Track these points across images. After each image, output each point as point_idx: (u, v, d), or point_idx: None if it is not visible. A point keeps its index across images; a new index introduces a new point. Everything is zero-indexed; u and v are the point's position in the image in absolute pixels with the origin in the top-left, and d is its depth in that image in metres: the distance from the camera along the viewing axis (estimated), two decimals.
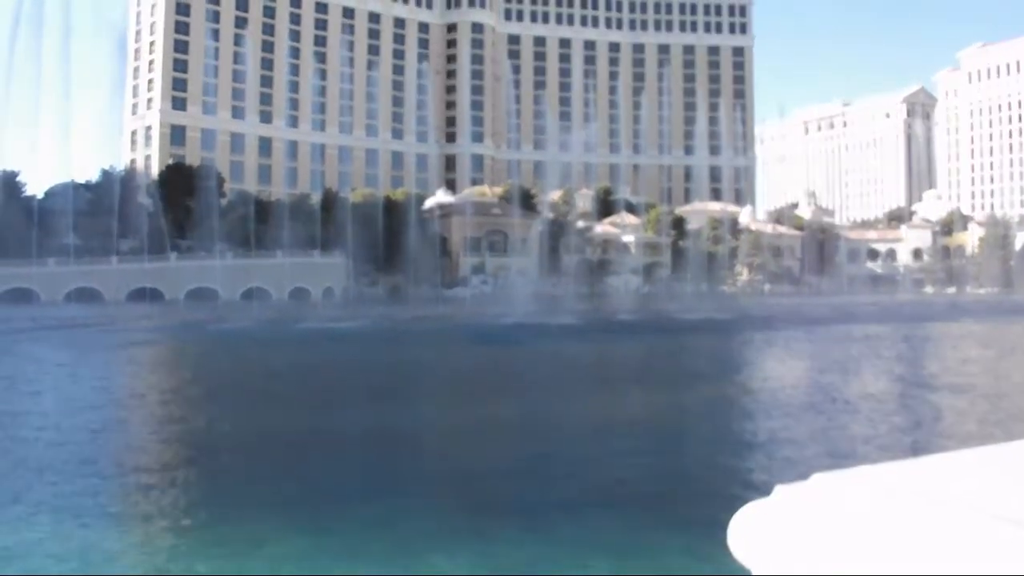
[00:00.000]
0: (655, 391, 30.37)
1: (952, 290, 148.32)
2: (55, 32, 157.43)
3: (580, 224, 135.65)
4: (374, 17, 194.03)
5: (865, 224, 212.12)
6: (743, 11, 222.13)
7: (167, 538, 12.68)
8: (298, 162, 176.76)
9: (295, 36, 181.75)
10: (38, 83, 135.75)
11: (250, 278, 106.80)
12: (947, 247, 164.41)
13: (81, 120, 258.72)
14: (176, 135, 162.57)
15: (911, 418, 23.18)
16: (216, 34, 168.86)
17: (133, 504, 14.60)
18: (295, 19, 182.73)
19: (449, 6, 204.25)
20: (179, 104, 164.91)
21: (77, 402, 27.44)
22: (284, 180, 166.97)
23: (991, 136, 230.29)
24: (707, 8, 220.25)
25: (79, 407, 26.18)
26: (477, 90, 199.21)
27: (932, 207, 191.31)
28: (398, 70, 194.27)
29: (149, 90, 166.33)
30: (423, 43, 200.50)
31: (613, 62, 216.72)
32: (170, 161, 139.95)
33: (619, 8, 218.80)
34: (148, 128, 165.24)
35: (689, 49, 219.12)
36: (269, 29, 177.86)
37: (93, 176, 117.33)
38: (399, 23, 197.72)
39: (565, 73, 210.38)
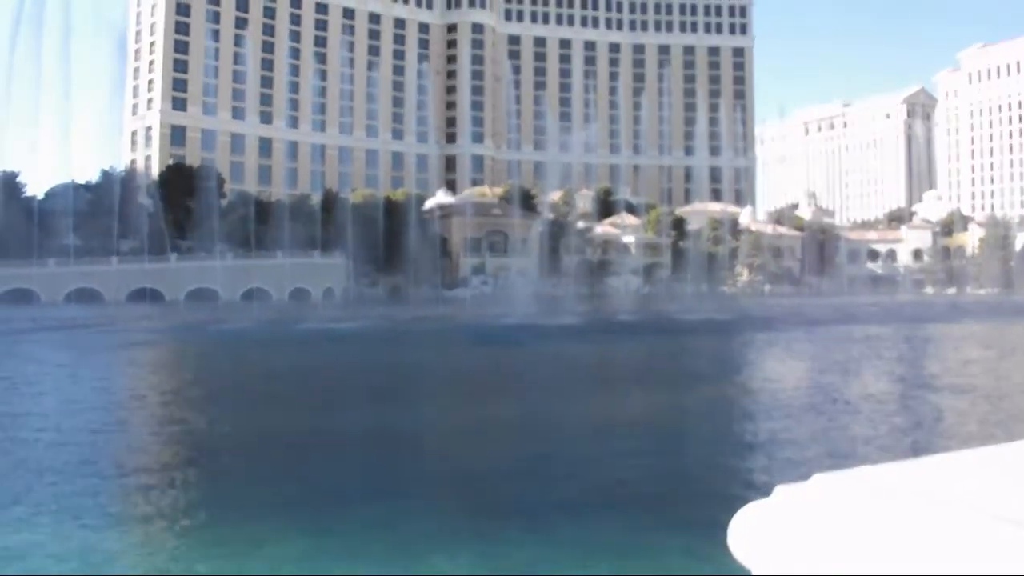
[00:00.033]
0: (655, 392, 30.36)
1: (952, 291, 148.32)
2: (55, 32, 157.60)
3: (580, 225, 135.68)
4: (374, 17, 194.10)
5: (865, 225, 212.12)
6: (743, 12, 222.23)
7: (167, 539, 12.67)
8: (298, 163, 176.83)
9: (295, 37, 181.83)
10: (38, 83, 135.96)
11: (250, 279, 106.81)
12: (947, 248, 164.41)
13: (81, 120, 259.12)
14: (176, 135, 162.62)
15: (912, 419, 23.17)
16: (216, 34, 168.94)
17: (133, 505, 14.59)
18: (295, 19, 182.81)
19: (449, 6, 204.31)
20: (179, 104, 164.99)
21: (77, 403, 27.43)
22: (284, 181, 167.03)
23: (991, 137, 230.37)
24: (707, 9, 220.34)
25: (79, 408, 26.18)
26: (477, 91, 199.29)
27: (932, 208, 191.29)
28: (398, 70, 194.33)
29: (149, 90, 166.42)
30: (423, 43, 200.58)
31: (613, 63, 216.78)
32: (170, 162, 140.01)
33: (619, 9, 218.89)
34: (148, 128, 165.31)
35: (689, 50, 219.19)
36: (269, 30, 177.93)
37: (93, 177, 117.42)
38: (399, 23, 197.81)
39: (565, 74, 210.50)
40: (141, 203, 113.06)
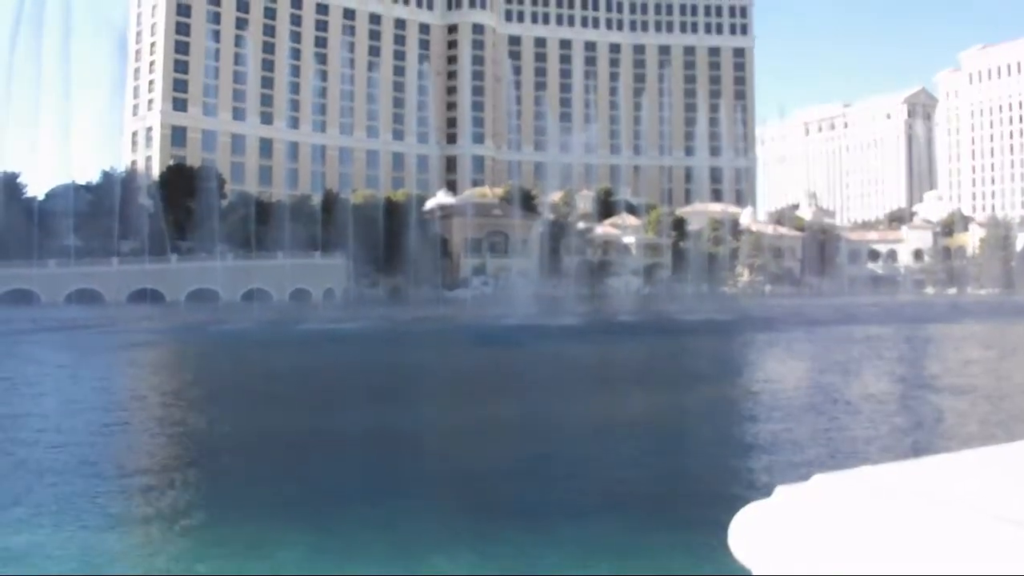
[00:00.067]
0: (656, 392, 30.36)
1: (953, 291, 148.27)
2: (56, 33, 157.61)
3: (581, 225, 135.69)
4: (375, 18, 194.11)
5: (866, 225, 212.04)
6: (743, 12, 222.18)
7: (168, 539, 12.67)
8: (299, 163, 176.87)
9: (296, 37, 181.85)
10: (39, 84, 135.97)
11: (251, 279, 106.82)
12: (948, 248, 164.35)
13: (82, 121, 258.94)
14: (177, 136, 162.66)
15: (912, 419, 23.16)
16: (217, 35, 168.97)
17: (134, 506, 14.59)
18: (296, 20, 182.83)
19: (450, 7, 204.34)
20: (180, 105, 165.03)
21: (78, 404, 27.43)
22: (285, 181, 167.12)
23: (992, 137, 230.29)
24: (707, 9, 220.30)
25: (80, 408, 26.18)
26: (478, 91, 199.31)
27: (933, 208, 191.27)
28: (399, 71, 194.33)
29: (150, 91, 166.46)
30: (424, 44, 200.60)
31: (614, 63, 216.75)
32: (171, 162, 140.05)
33: (620, 9, 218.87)
34: (149, 129, 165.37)
35: (690, 50, 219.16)
36: (270, 30, 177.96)
37: (94, 177, 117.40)
38: (400, 24, 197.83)
39: (566, 74, 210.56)
40: (142, 204, 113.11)
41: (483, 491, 15.86)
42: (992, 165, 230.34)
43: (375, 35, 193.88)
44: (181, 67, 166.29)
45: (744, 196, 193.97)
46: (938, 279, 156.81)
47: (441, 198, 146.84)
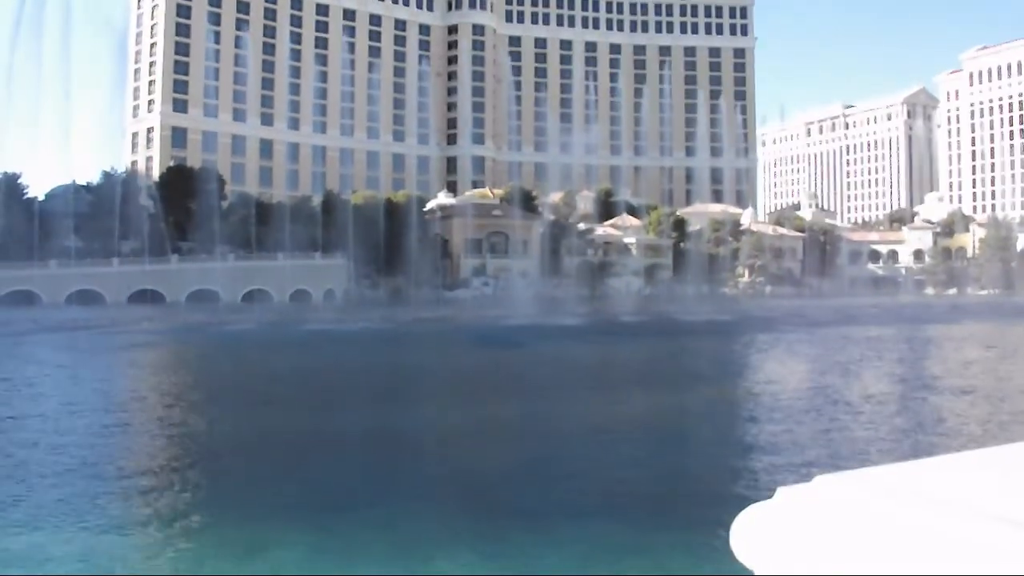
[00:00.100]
0: (657, 393, 30.34)
1: (953, 291, 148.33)
2: (56, 34, 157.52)
3: (581, 226, 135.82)
4: (375, 19, 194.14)
5: (866, 226, 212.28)
6: (744, 13, 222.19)
7: (168, 540, 12.66)
8: (299, 164, 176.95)
9: (296, 38, 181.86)
10: (39, 85, 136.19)
11: (251, 280, 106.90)
12: (948, 248, 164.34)
13: (82, 122, 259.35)
14: (177, 137, 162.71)
15: (913, 420, 23.15)
16: (217, 36, 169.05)
17: (134, 507, 14.58)
18: (296, 21, 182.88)
19: (450, 8, 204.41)
20: (180, 106, 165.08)
21: (78, 405, 27.43)
22: (285, 182, 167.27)
23: (992, 137, 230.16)
24: (708, 10, 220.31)
25: (80, 410, 26.17)
26: (478, 92, 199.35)
27: (933, 208, 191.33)
28: (399, 72, 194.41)
29: (150, 92, 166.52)
30: (424, 45, 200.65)
31: (614, 64, 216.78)
32: (171, 163, 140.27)
33: (620, 10, 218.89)
34: (149, 130, 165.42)
35: (690, 51, 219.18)
36: (270, 31, 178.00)
37: (94, 178, 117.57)
38: (400, 25, 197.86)
39: (566, 75, 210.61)
40: (142, 205, 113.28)
41: (483, 491, 15.85)
42: (992, 166, 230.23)
43: (375, 36, 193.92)
44: (181, 68, 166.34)
45: (745, 197, 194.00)
46: (939, 280, 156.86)
47: (441, 199, 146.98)
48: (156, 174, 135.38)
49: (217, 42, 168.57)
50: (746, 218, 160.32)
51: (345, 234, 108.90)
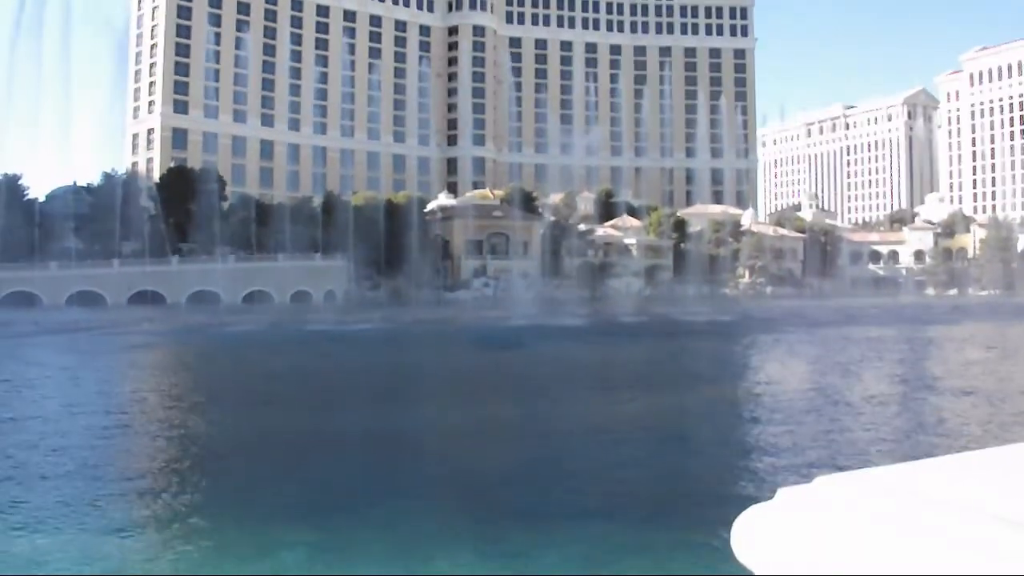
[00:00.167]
0: (658, 393, 30.33)
1: (954, 292, 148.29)
2: (56, 35, 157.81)
3: (582, 227, 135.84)
4: (375, 20, 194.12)
5: (867, 226, 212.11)
6: (744, 13, 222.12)
7: (168, 541, 12.66)
8: (299, 165, 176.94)
9: (296, 39, 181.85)
10: (39, 86, 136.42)
11: (252, 281, 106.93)
12: (949, 249, 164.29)
13: (82, 123, 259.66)
14: (177, 138, 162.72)
15: (913, 421, 23.14)
16: (217, 37, 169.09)
17: (134, 508, 14.58)
18: (296, 22, 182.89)
19: (450, 9, 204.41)
20: (180, 107, 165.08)
21: (79, 406, 27.42)
22: (285, 183, 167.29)
23: (993, 138, 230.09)
24: (708, 11, 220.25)
25: (81, 411, 26.17)
26: (478, 93, 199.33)
27: (934, 209, 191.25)
28: (399, 73, 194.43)
29: (150, 93, 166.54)
30: (424, 46, 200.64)
31: (614, 64, 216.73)
32: (171, 164, 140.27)
33: (620, 11, 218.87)
34: (149, 131, 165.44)
35: (690, 51, 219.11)
36: (270, 32, 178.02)
37: (95, 179, 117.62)
38: (400, 26, 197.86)
39: (566, 76, 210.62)
40: (142, 206, 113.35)
41: (483, 491, 15.85)
42: (993, 166, 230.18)
43: (376, 37, 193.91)
44: (182, 69, 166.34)
45: (745, 197, 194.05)
46: (939, 280, 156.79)
47: (442, 200, 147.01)
48: (156, 175, 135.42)
49: (217, 43, 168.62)
50: (746, 219, 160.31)
51: (346, 235, 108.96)
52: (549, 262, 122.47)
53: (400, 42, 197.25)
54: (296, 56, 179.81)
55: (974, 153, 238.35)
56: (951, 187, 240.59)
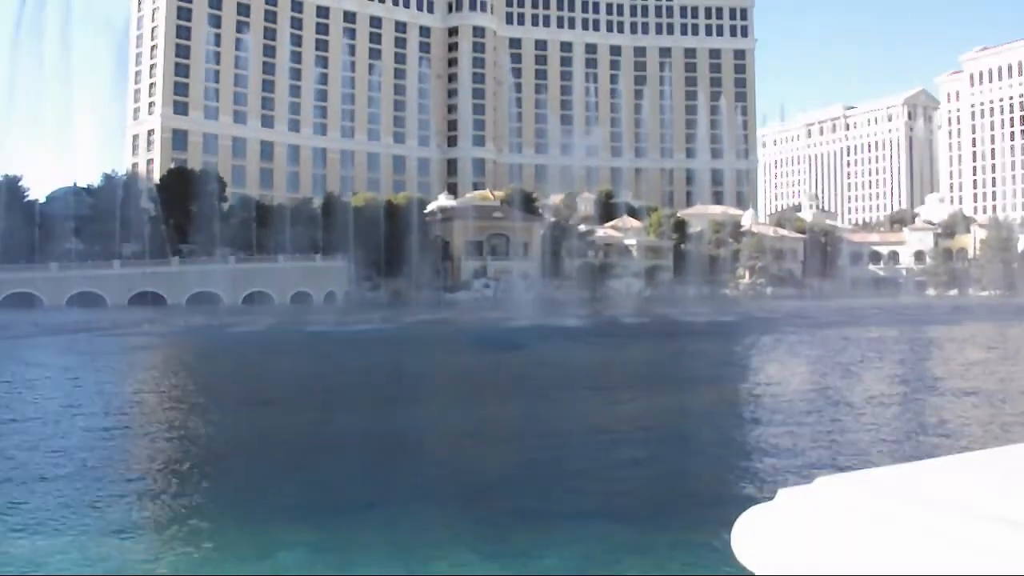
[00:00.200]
0: (658, 394, 30.32)
1: (954, 292, 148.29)
2: (56, 36, 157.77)
3: (582, 228, 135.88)
4: (375, 21, 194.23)
5: (867, 227, 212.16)
6: (744, 14, 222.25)
7: (168, 541, 12.65)
8: (300, 166, 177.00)
9: (296, 40, 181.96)
10: (39, 87, 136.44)
11: (252, 282, 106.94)
12: (949, 249, 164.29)
13: (83, 124, 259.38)
14: (178, 139, 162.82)
15: (914, 422, 23.12)
16: (217, 39, 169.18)
17: (135, 509, 14.57)
18: (296, 23, 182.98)
19: (450, 10, 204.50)
20: (180, 108, 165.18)
21: (79, 407, 27.41)
22: (286, 184, 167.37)
23: (993, 138, 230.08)
24: (708, 11, 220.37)
25: (81, 412, 26.15)
26: (478, 94, 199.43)
27: (934, 209, 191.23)
28: (399, 74, 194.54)
29: (151, 94, 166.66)
30: (424, 47, 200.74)
31: (614, 65, 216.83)
32: (172, 165, 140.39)
33: (620, 12, 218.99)
34: (150, 132, 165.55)
35: (690, 52, 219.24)
36: (271, 33, 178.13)
37: (95, 181, 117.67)
38: (400, 27, 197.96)
39: (566, 77, 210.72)
40: (143, 207, 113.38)
41: (483, 491, 15.84)
42: (993, 167, 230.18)
43: (376, 38, 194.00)
44: (182, 70, 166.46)
45: (745, 198, 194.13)
46: (940, 281, 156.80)
47: (442, 201, 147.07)
48: (157, 176, 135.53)
49: (218, 44, 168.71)
50: (747, 219, 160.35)
51: (346, 236, 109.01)
52: (549, 263, 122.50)
53: (400, 43, 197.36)
54: (296, 57, 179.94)
55: (974, 153, 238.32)
56: (951, 187, 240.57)
